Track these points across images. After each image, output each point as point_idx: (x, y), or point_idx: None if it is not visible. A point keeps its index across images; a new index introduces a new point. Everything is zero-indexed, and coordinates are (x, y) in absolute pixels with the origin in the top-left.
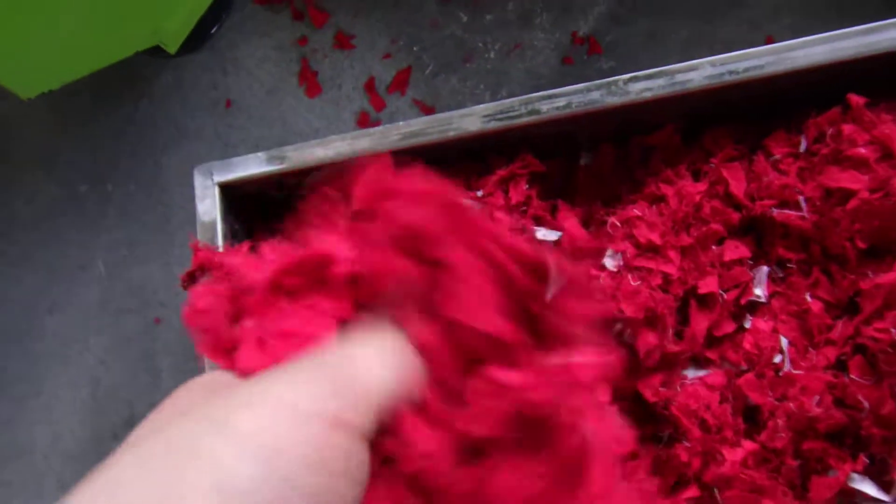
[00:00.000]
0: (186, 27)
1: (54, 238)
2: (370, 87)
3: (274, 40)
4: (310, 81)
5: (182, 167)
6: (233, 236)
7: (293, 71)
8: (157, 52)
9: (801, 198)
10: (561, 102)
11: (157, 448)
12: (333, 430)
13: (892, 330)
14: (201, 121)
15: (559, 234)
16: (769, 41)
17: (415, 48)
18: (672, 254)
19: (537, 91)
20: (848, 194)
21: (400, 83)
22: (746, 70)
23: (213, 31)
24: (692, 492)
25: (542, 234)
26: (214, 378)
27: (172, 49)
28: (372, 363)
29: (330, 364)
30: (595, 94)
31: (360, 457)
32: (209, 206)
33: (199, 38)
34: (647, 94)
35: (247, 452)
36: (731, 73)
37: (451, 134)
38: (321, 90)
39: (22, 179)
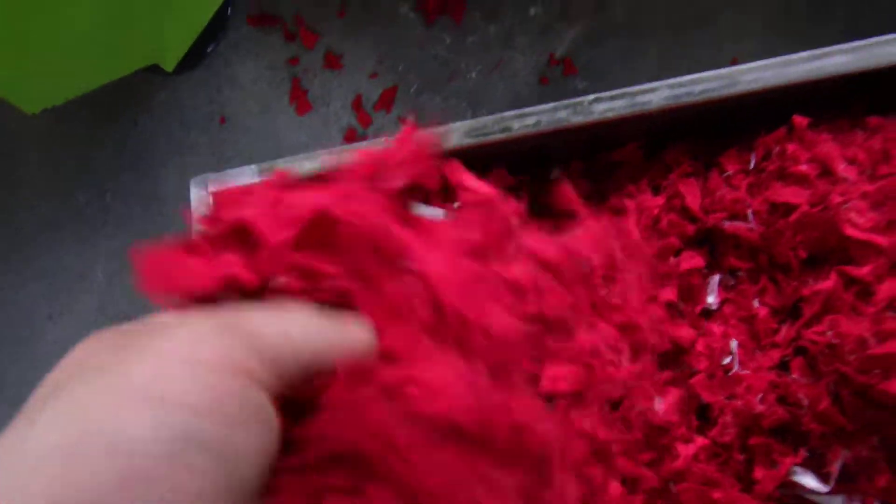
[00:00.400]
0: (183, 47)
1: (55, 247)
2: (357, 104)
3: (267, 60)
4: (300, 99)
5: (179, 179)
6: None
7: (285, 89)
8: (155, 70)
9: (749, 211)
10: (530, 121)
11: (59, 409)
12: (231, 376)
13: (828, 333)
14: (197, 135)
15: (444, 211)
16: (734, 62)
17: (400, 68)
18: None
19: (516, 109)
20: (791, 208)
21: (386, 101)
22: (701, 92)
23: (208, 50)
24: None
25: (429, 211)
26: (125, 329)
27: (170, 67)
28: (272, 322)
29: (228, 319)
30: (562, 114)
31: (261, 407)
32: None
33: (195, 57)
34: (610, 114)
35: (141, 406)
36: (687, 94)
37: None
38: (311, 107)
39: (25, 190)
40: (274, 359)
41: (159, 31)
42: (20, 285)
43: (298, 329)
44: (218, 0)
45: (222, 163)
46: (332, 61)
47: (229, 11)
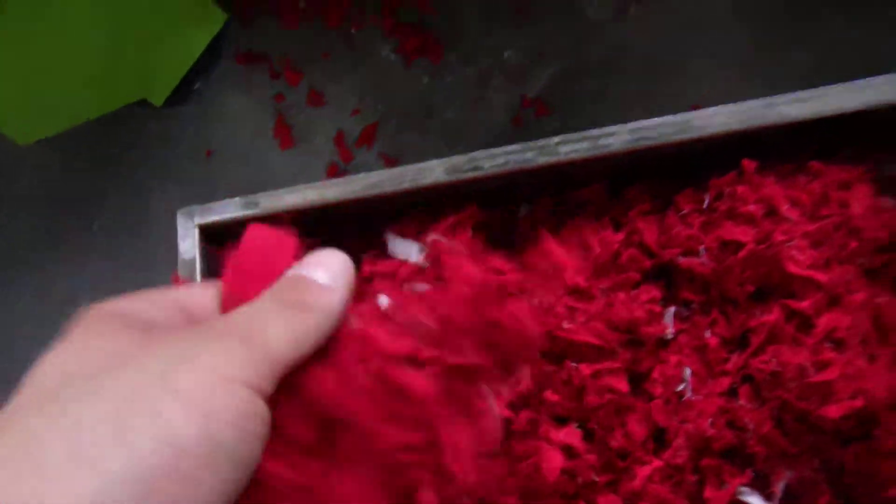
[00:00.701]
0: (172, 83)
1: (44, 271)
2: (339, 140)
3: (253, 96)
4: (284, 135)
5: (166, 209)
6: (210, 273)
7: (270, 124)
8: (145, 104)
9: (702, 248)
10: (500, 161)
11: (102, 395)
12: (250, 394)
13: (772, 361)
14: (184, 167)
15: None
16: (694, 108)
17: (381, 106)
18: (596, 293)
19: (491, 147)
20: (739, 245)
21: (367, 137)
22: (658, 136)
23: (196, 86)
24: None
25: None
26: (125, 314)
27: (159, 102)
28: (280, 328)
29: (244, 331)
30: (529, 154)
31: (265, 416)
32: (189, 246)
33: (184, 92)
34: (574, 155)
35: (191, 413)
36: (645, 138)
37: (407, 185)
38: (294, 143)
39: (17, 216)
40: (279, 367)
41: (150, 67)
42: (7, 307)
43: (303, 332)
44: (206, 39)
45: (208, 194)
46: (316, 98)
47: (220, 49)
